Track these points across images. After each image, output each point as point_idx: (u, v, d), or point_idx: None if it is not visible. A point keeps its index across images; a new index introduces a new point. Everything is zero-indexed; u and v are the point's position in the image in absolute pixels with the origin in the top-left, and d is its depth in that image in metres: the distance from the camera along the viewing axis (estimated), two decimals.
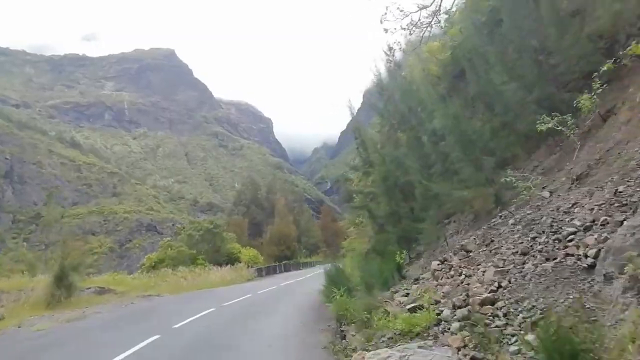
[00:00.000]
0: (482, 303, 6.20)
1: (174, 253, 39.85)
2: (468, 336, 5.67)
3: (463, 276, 7.47)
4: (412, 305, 7.34)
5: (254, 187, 79.37)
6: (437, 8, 17.80)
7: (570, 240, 6.44)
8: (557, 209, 7.59)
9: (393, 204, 15.36)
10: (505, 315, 5.88)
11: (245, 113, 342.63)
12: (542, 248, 6.76)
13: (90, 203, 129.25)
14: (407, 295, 8.53)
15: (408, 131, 16.31)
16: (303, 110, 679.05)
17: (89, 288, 23.99)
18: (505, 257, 7.17)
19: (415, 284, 9.26)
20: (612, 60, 8.78)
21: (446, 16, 18.76)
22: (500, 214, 9.58)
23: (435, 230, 12.97)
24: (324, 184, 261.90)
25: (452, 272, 7.85)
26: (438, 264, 8.48)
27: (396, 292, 9.42)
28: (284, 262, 58.54)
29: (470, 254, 8.26)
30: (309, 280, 33.57)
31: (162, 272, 35.24)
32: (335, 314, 11.04)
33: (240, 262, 43.81)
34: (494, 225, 9.05)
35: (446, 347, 5.70)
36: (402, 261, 13.14)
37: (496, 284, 6.55)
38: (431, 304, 7.01)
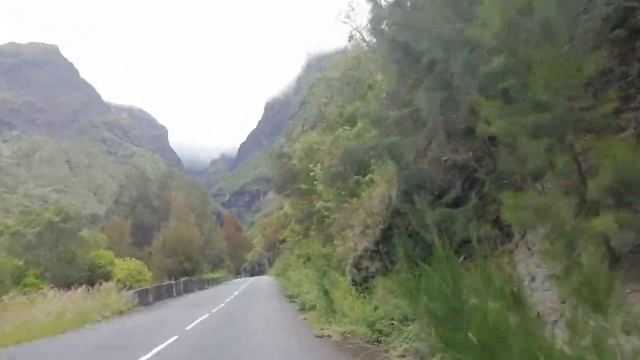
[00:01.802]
0: None
1: None
2: None
3: None
4: None
5: (142, 182, 58.54)
6: None
7: None
8: None
9: None
10: None
11: (137, 119, 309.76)
12: None
13: None
14: None
15: None
16: (201, 121, 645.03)
17: None
18: None
19: None
20: None
21: None
22: None
23: None
24: (222, 195, 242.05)
25: None
26: None
27: None
28: (183, 278, 39.35)
29: None
30: (240, 310, 20.13)
31: None
32: None
33: (110, 281, 24.67)
34: None
35: None
36: None
37: None
38: None
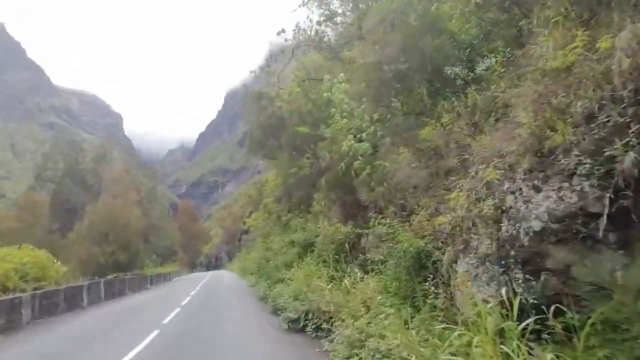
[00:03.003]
0: None
1: None
2: None
3: None
4: None
5: (72, 151, 45.16)
6: None
7: None
8: None
9: None
10: None
11: (89, 105, 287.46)
12: None
13: None
14: None
15: None
16: (159, 110, 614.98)
17: None
18: None
19: None
20: None
21: None
22: None
23: None
24: (179, 187, 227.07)
25: None
26: None
27: None
28: (114, 275, 27.29)
29: None
30: None
31: None
32: None
33: None
34: None
35: None
36: None
37: None
38: None
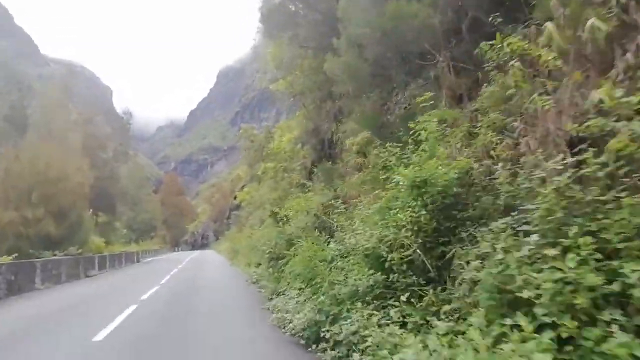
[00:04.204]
0: None
1: None
2: None
3: None
4: None
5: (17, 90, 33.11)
6: None
7: None
8: None
9: None
10: None
11: (78, 76, 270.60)
12: None
13: None
14: None
15: None
16: (150, 85, 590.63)
17: None
18: None
19: None
20: None
21: None
22: None
23: None
24: (167, 163, 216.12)
25: None
26: None
27: None
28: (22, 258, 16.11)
29: None
30: None
31: None
32: None
33: None
34: None
35: None
36: None
37: None
38: None
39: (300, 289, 7.41)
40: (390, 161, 6.39)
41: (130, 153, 45.96)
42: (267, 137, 28.82)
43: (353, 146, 10.90)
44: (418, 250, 4.85)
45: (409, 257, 4.91)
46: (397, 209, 5.42)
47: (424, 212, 4.97)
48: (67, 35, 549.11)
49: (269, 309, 8.20)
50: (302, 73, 15.63)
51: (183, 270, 22.02)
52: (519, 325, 2.94)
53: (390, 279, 5.11)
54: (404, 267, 4.95)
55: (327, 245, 7.65)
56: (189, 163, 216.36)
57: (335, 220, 8.71)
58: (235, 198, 55.89)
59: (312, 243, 7.64)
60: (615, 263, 2.80)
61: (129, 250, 32.27)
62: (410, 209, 5.14)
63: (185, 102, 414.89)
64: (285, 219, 11.92)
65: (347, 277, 5.70)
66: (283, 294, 8.48)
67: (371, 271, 5.28)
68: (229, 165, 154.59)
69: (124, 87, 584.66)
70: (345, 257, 6.50)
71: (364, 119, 10.32)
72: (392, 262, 5.00)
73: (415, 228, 5.00)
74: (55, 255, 18.64)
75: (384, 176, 6.37)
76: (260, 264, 14.57)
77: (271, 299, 9.15)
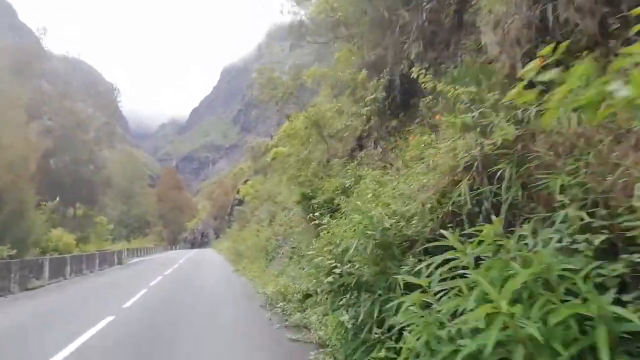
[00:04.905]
0: None
1: None
2: None
3: None
4: None
5: None
6: None
7: None
8: None
9: None
10: None
11: (80, 72, 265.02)
12: None
13: None
14: None
15: None
16: (153, 83, 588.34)
17: None
18: None
19: None
20: None
21: None
22: None
23: None
24: (168, 160, 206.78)
25: None
26: None
27: None
28: None
29: None
30: None
31: None
32: None
33: None
34: None
35: None
36: None
37: None
38: None
39: None
40: None
41: (118, 133, 39.64)
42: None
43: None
44: None
45: None
46: None
47: None
48: (70, 32, 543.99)
49: None
50: None
51: (167, 283, 15.68)
52: None
53: None
54: None
55: None
56: (190, 161, 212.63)
57: None
58: (238, 192, 49.66)
59: None
60: None
61: (108, 250, 25.93)
62: None
63: (188, 100, 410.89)
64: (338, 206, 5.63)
65: None
66: None
67: None
68: (231, 163, 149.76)
69: (127, 84, 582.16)
70: None
71: None
72: None
73: None
74: None
75: None
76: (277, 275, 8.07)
77: None
